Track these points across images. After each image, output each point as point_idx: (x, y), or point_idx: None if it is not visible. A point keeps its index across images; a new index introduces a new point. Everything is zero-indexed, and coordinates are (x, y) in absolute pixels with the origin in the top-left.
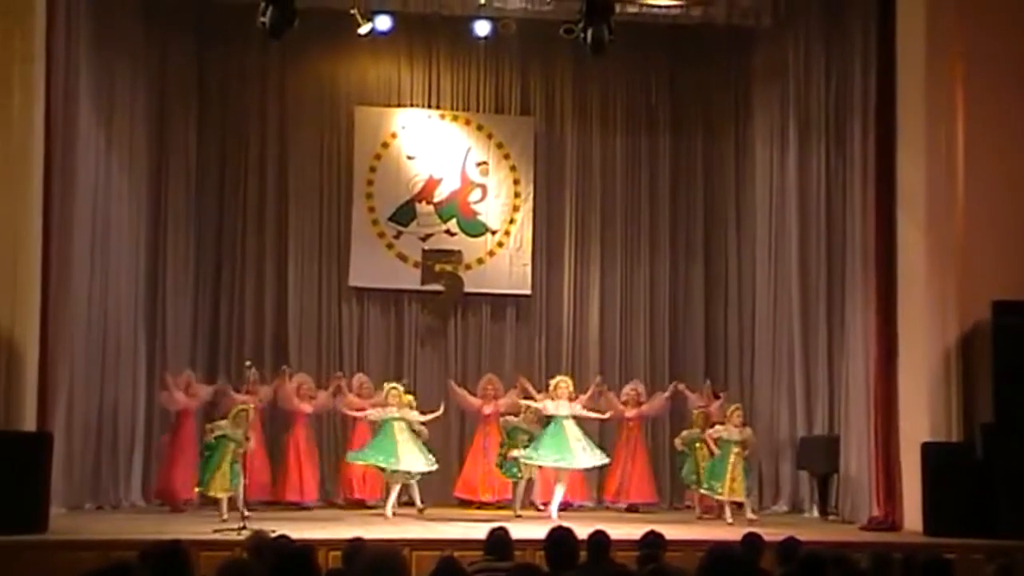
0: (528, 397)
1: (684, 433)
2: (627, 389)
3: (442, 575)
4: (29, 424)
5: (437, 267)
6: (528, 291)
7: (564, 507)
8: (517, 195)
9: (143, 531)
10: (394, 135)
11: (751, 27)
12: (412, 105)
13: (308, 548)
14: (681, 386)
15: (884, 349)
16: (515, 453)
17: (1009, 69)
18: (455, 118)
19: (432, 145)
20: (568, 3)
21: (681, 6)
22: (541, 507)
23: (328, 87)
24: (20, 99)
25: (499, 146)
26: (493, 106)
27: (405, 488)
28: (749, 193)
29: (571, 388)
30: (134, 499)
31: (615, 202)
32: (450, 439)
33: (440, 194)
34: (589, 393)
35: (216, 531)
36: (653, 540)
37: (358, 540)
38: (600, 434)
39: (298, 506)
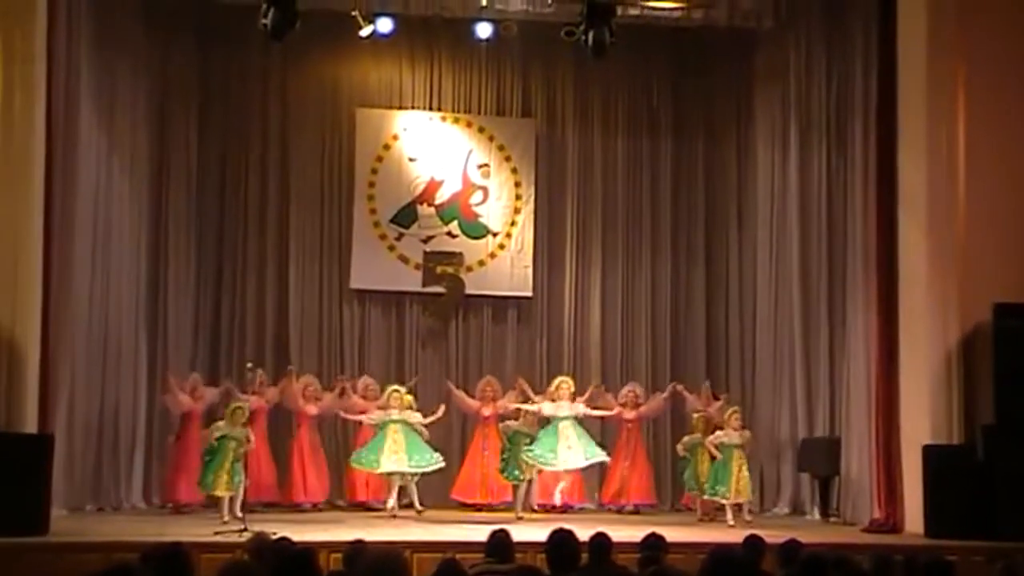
0: (526, 399)
1: (685, 438)
2: (625, 391)
3: None
4: (30, 426)
5: (438, 269)
6: (529, 293)
7: (565, 509)
8: (518, 197)
9: (144, 533)
10: (395, 137)
11: (752, 29)
12: (413, 107)
13: (309, 550)
14: (680, 387)
15: (885, 351)
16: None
17: (1010, 70)
18: (456, 120)
19: (433, 147)
20: (569, 5)
21: (682, 8)
22: (536, 508)
23: (329, 89)
24: (21, 100)
25: (500, 148)
26: (494, 108)
27: (405, 489)
28: (750, 195)
29: (573, 388)
30: (135, 501)
31: (616, 204)
32: (451, 441)
33: (441, 196)
34: (587, 395)
35: (217, 533)
36: (654, 542)
37: (359, 542)
38: (600, 436)
39: (300, 508)
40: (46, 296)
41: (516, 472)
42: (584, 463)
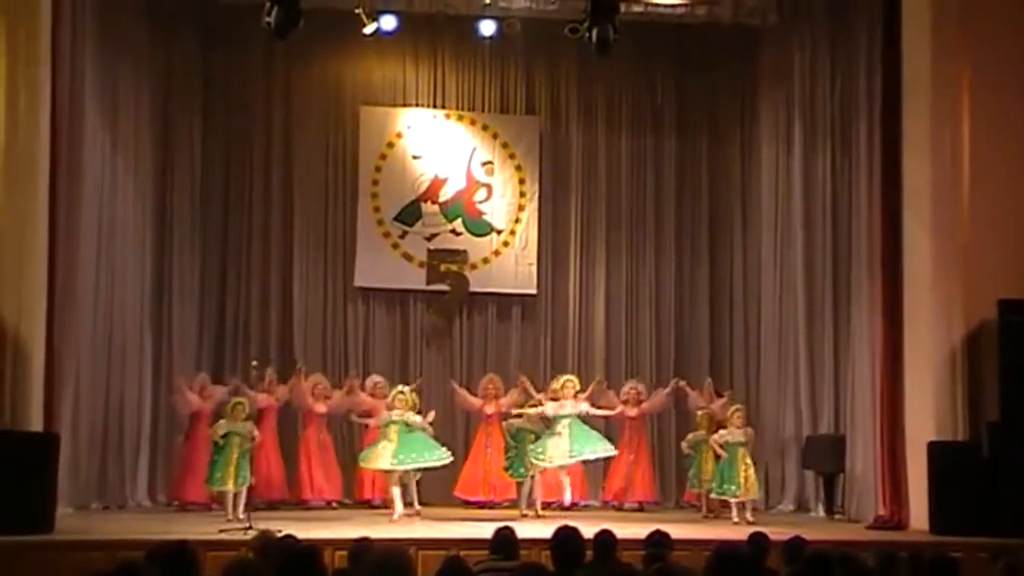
0: (528, 396)
1: (690, 436)
2: (627, 388)
3: (448, 575)
4: (36, 424)
5: (442, 267)
6: (533, 291)
7: (569, 506)
8: (522, 195)
9: (150, 531)
10: (399, 135)
11: (757, 27)
12: (417, 105)
13: (314, 548)
14: (682, 383)
15: (889, 348)
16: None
17: (1014, 71)
18: (460, 118)
19: (437, 145)
20: (573, 2)
21: (686, 5)
22: (540, 510)
23: (333, 87)
24: (26, 101)
25: (504, 146)
26: (498, 106)
27: (407, 488)
28: (754, 193)
29: (578, 387)
30: (140, 499)
31: (620, 202)
32: (454, 439)
33: (445, 194)
34: (588, 391)
35: (222, 531)
36: (659, 539)
37: (364, 540)
38: (604, 433)
39: (308, 505)
40: (51, 295)
41: (521, 469)
42: (592, 456)
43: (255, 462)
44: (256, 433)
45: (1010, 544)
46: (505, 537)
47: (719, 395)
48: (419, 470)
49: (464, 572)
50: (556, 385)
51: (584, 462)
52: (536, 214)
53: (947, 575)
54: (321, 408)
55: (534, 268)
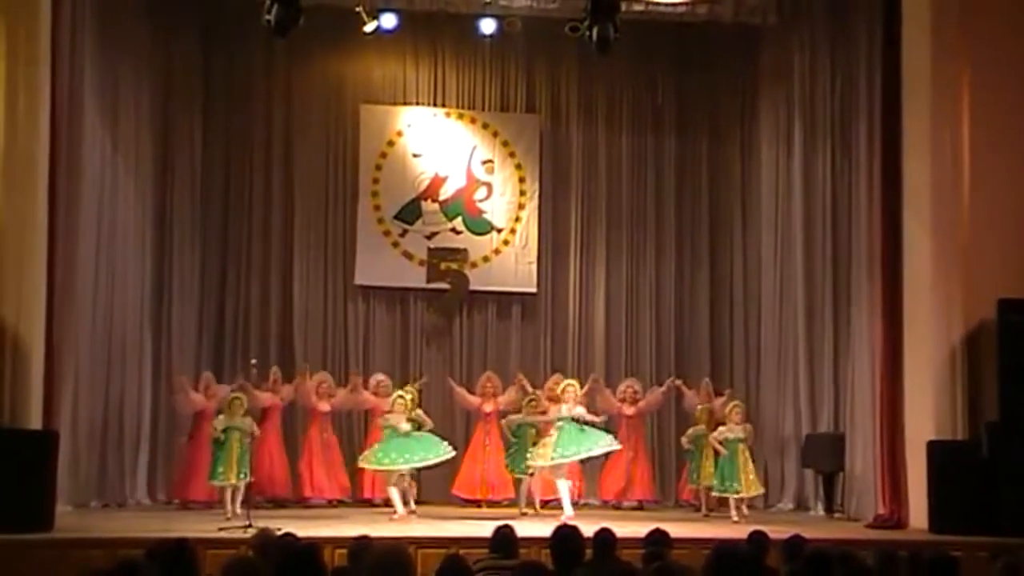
0: (526, 394)
1: (690, 431)
2: (623, 386)
3: (448, 573)
4: (35, 422)
5: (442, 265)
6: (534, 289)
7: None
8: (522, 193)
9: (149, 529)
10: (400, 133)
11: (757, 27)
12: (418, 103)
13: (314, 546)
14: (678, 382)
15: (889, 347)
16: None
17: (1014, 71)
18: (461, 116)
19: (438, 143)
20: (574, 1)
21: (687, 4)
22: (539, 507)
23: (334, 85)
24: (25, 101)
25: (504, 144)
26: (499, 104)
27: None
28: (755, 193)
29: (579, 391)
30: (139, 497)
31: (621, 201)
32: (454, 438)
33: (446, 192)
34: (585, 389)
35: (222, 529)
36: (659, 538)
37: (364, 538)
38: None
39: (309, 504)
40: (50, 294)
41: (522, 465)
42: (584, 456)
43: (258, 460)
44: (256, 429)
45: (1010, 543)
46: (505, 536)
47: (718, 394)
48: (418, 469)
49: (464, 571)
50: (557, 389)
51: (582, 461)
52: (536, 213)
53: (947, 574)
54: (325, 407)
55: (534, 267)
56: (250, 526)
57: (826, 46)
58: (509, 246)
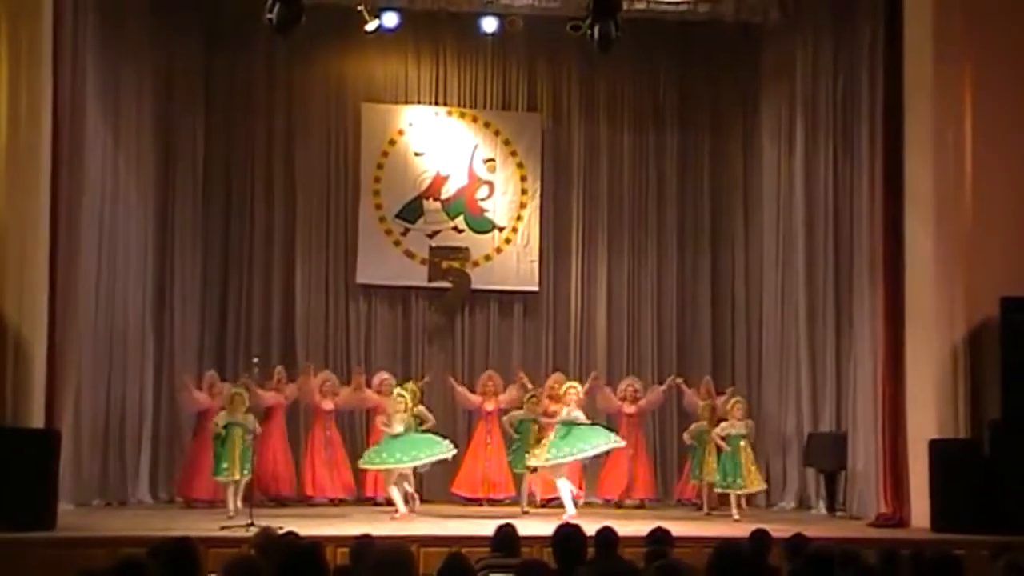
0: (527, 391)
1: (692, 426)
2: (623, 385)
3: (450, 572)
4: (37, 421)
5: (444, 264)
6: (535, 287)
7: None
8: (524, 192)
9: (151, 528)
10: (401, 132)
11: (759, 24)
12: (419, 102)
13: (316, 545)
14: (679, 380)
15: (891, 346)
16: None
17: (1016, 70)
18: (462, 115)
19: (439, 142)
20: None
21: (689, 2)
22: (540, 504)
23: (335, 84)
24: (27, 101)
25: (506, 143)
26: (500, 103)
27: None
28: (756, 190)
29: (580, 394)
30: (141, 496)
31: (622, 199)
32: (455, 436)
33: (447, 191)
34: (586, 387)
35: (223, 528)
36: (660, 536)
37: (366, 537)
38: None
39: (311, 502)
40: (52, 293)
41: (525, 461)
42: (595, 451)
43: (262, 458)
44: (257, 426)
45: (1012, 542)
46: (507, 534)
47: (720, 393)
48: (418, 469)
49: (466, 569)
50: (558, 389)
51: (583, 464)
52: (538, 211)
53: (951, 574)
54: (328, 405)
55: (536, 265)
56: (252, 525)
57: (828, 45)
58: (511, 245)
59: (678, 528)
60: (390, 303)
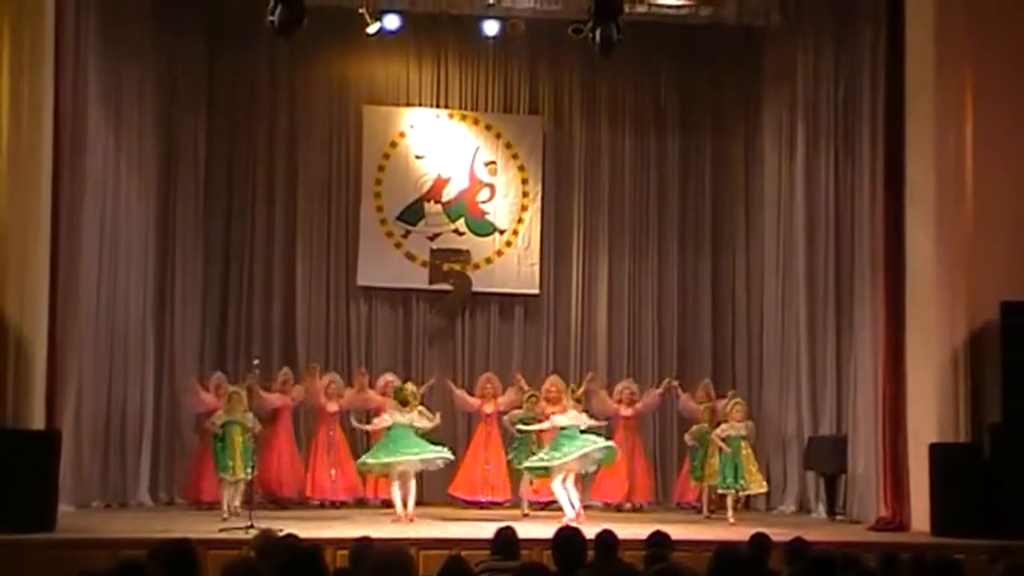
0: (524, 393)
1: (693, 428)
2: (620, 387)
3: (449, 574)
4: (38, 422)
5: (445, 266)
6: (536, 290)
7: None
8: (525, 194)
9: (151, 529)
10: (403, 134)
11: (760, 27)
12: (421, 104)
13: (315, 547)
14: (675, 383)
15: (892, 349)
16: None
17: (1017, 73)
18: (464, 117)
19: (440, 144)
20: (577, 2)
21: (690, 5)
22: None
23: (337, 86)
24: (29, 102)
25: (507, 146)
26: (502, 105)
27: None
28: (758, 193)
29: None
30: (142, 497)
31: (623, 202)
32: (454, 438)
33: (448, 193)
34: (582, 389)
35: (223, 530)
36: (660, 540)
37: (365, 539)
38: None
39: (312, 503)
40: (53, 294)
41: (526, 458)
42: (588, 449)
43: (267, 460)
44: (257, 426)
45: (1012, 546)
46: (506, 537)
47: (720, 397)
48: (418, 467)
49: (465, 572)
50: (555, 394)
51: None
52: (539, 214)
53: None
54: (332, 407)
55: (537, 268)
56: (252, 527)
57: (830, 48)
58: (512, 247)
59: (677, 531)
60: (391, 305)
